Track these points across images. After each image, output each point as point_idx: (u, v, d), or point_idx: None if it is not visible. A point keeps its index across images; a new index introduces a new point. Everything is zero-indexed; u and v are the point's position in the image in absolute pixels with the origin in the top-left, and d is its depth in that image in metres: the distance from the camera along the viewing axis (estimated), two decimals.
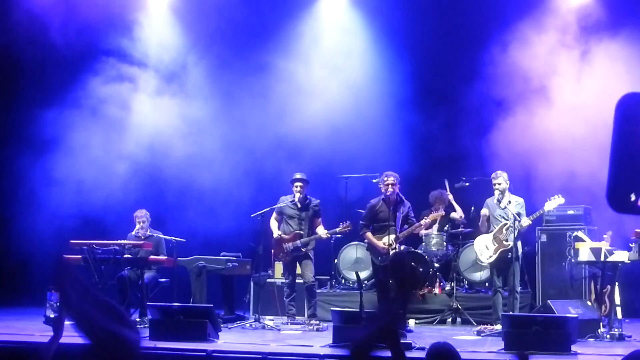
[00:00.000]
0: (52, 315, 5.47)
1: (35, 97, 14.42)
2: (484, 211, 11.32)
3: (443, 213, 12.33)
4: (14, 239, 14.16)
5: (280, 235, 11.82)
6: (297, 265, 11.93)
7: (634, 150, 3.05)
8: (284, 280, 12.34)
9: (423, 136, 14.05)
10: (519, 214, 10.74)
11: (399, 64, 14.17)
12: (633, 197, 3.04)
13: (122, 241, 11.70)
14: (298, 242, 11.68)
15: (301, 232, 11.71)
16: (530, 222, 10.83)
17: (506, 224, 10.79)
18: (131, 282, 11.68)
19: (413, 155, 13.65)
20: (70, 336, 8.87)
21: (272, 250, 12.10)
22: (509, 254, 10.72)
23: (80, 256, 11.48)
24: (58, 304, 5.34)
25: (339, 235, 13.20)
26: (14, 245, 14.17)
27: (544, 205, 10.80)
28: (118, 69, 14.30)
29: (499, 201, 10.92)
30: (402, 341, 8.57)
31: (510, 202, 10.85)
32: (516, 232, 10.61)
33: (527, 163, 12.59)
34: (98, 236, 12.13)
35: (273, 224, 11.93)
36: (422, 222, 11.48)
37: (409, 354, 8.32)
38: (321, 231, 11.72)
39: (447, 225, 13.23)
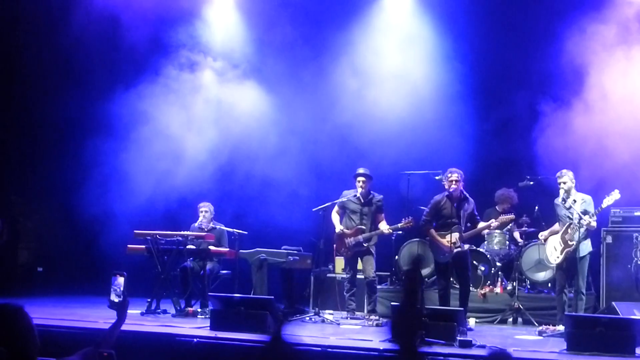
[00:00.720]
0: (116, 300, 5.55)
1: (107, 88, 14.56)
2: (542, 235, 11.23)
3: (513, 217, 12.09)
4: (82, 226, 14.40)
5: (342, 230, 11.81)
6: (359, 260, 11.91)
7: None
8: (344, 275, 12.35)
9: (484, 134, 13.92)
10: (585, 212, 10.52)
11: (461, 60, 14.08)
12: None
13: (185, 232, 11.83)
14: (360, 237, 11.65)
15: (363, 227, 11.68)
16: (594, 222, 10.59)
17: (571, 223, 10.61)
18: (193, 273, 11.82)
19: (475, 153, 13.51)
20: (134, 324, 9.02)
21: (334, 245, 12.10)
22: (575, 253, 10.54)
23: (144, 246, 11.65)
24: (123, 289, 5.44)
25: (400, 232, 13.16)
26: (82, 233, 14.41)
27: (602, 203, 10.57)
28: (187, 61, 14.48)
29: (564, 200, 10.73)
30: (462, 338, 8.60)
31: (575, 201, 10.65)
32: (582, 230, 10.41)
33: (586, 162, 12.35)
34: (162, 226, 12.29)
35: (335, 217, 11.92)
36: (492, 224, 11.35)
37: (469, 352, 8.31)
38: (383, 227, 11.68)
39: (511, 225, 13.07)
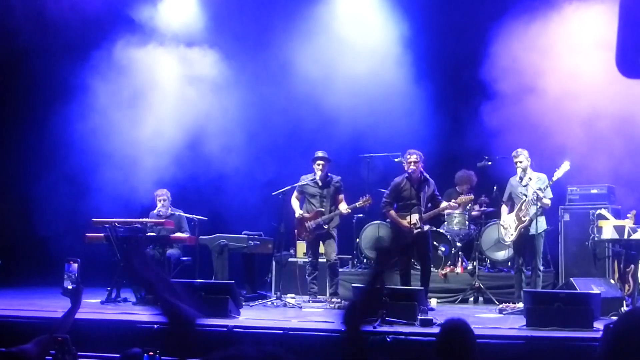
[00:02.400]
0: (69, 287, 5.49)
1: (61, 68, 14.29)
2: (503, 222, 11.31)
3: (472, 197, 12.21)
4: (40, 216, 14.25)
5: (302, 214, 11.80)
6: (320, 244, 11.92)
7: None
8: (306, 260, 12.36)
9: (442, 115, 13.99)
10: (540, 190, 10.64)
11: (418, 41, 14.15)
12: None
13: (144, 219, 11.75)
14: (320, 219, 11.65)
15: (322, 209, 11.68)
16: (548, 201, 10.71)
17: (525, 200, 10.72)
18: (154, 261, 11.73)
19: (434, 135, 13.58)
20: (89, 312, 8.94)
21: (295, 230, 12.09)
22: (527, 230, 10.68)
23: (102, 235, 11.55)
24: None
25: (361, 215, 13.23)
26: (41, 223, 14.24)
27: (553, 175, 10.69)
28: (140, 36, 14.31)
29: (521, 179, 10.84)
30: (423, 317, 8.65)
31: (531, 179, 10.76)
32: (537, 207, 10.52)
33: (546, 140, 12.47)
34: (120, 213, 12.20)
35: (294, 202, 11.91)
36: (452, 204, 11.43)
37: (430, 330, 8.35)
38: (342, 207, 11.69)
39: (470, 205, 13.17)
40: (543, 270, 11.21)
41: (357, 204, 11.70)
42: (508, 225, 11.01)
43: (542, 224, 10.84)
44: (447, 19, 13.98)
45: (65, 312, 5.42)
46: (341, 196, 11.81)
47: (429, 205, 11.32)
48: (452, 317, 4.89)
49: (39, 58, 14.37)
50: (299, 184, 11.85)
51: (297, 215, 11.86)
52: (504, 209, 11.26)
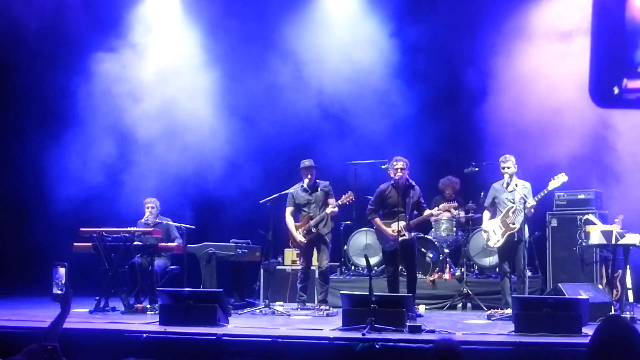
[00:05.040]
0: (58, 292, 5.48)
1: (49, 75, 14.30)
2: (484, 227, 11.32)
3: (456, 204, 12.23)
4: (27, 227, 14.19)
5: (300, 241, 11.72)
6: (314, 252, 11.84)
7: (615, 42, 2.94)
8: (294, 267, 12.33)
9: (431, 120, 14.02)
10: (525, 197, 10.68)
11: (405, 48, 14.17)
12: (616, 90, 2.94)
13: (132, 228, 11.70)
14: (308, 224, 11.59)
15: (312, 214, 11.61)
16: (535, 203, 10.72)
17: (512, 207, 10.73)
18: (142, 270, 11.72)
19: (420, 141, 13.63)
20: (78, 321, 8.89)
21: (290, 242, 12.03)
22: (515, 237, 10.70)
23: (90, 244, 11.51)
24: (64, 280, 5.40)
25: (349, 222, 13.22)
26: (27, 233, 14.18)
27: (548, 185, 10.72)
28: (126, 46, 14.32)
29: (508, 184, 10.86)
30: (412, 324, 8.64)
31: (517, 185, 10.80)
32: (522, 214, 10.56)
33: (534, 146, 12.50)
34: (107, 222, 12.17)
35: (289, 220, 11.82)
36: (434, 212, 11.43)
37: (418, 337, 8.35)
38: (327, 208, 11.63)
39: (457, 212, 13.19)
40: (531, 275, 11.22)
41: (339, 201, 11.60)
42: (492, 230, 11.02)
43: (526, 230, 10.90)
44: (435, 24, 13.99)
45: (55, 318, 5.39)
46: (331, 200, 11.73)
47: (415, 212, 11.31)
48: (443, 339, 4.85)
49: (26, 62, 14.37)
50: (289, 191, 11.77)
51: (299, 240, 11.73)
52: (487, 214, 11.27)
